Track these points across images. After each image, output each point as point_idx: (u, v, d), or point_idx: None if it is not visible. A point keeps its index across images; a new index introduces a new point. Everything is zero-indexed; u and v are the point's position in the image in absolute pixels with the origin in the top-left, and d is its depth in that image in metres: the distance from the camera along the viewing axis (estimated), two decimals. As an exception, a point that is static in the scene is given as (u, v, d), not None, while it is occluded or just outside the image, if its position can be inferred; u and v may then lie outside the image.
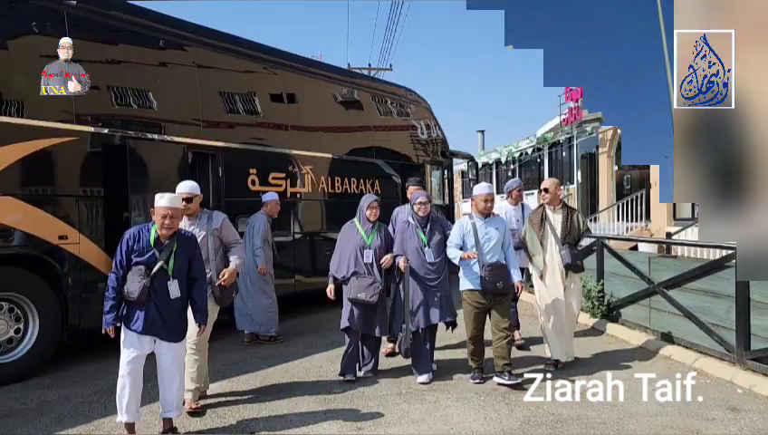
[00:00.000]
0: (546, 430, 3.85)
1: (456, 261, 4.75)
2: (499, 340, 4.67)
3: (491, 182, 23.26)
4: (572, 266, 5.09)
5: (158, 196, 3.59)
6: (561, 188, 5.40)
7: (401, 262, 4.80)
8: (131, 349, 3.54)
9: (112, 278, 3.53)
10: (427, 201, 4.97)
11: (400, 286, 4.91)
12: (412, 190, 5.47)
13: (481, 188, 4.86)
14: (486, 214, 4.79)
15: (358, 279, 4.80)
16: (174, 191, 4.28)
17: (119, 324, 3.52)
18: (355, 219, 5.06)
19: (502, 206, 6.03)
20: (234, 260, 4.28)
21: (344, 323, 4.86)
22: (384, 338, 5.30)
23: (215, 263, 4.24)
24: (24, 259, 5.07)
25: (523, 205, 6.24)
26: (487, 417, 4.06)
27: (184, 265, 3.65)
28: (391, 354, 5.54)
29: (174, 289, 3.57)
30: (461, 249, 4.73)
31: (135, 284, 3.46)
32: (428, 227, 4.93)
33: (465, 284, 4.76)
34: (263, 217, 6.44)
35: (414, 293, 4.82)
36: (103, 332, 3.52)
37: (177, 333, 3.65)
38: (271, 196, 6.66)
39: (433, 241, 4.89)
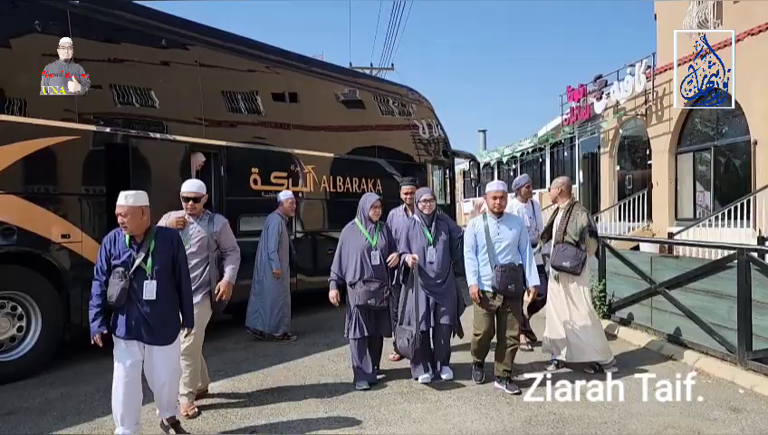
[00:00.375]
0: (548, 429, 3.85)
1: (468, 279, 4.57)
2: (503, 347, 4.57)
3: (492, 182, 23.18)
4: (557, 267, 5.06)
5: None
6: (561, 187, 5.31)
7: (409, 259, 4.67)
8: (121, 357, 3.41)
9: (95, 286, 3.41)
10: (431, 198, 4.85)
11: (403, 287, 4.79)
12: (405, 190, 5.40)
13: (491, 186, 4.67)
14: (498, 212, 4.62)
15: (365, 284, 4.63)
16: (178, 190, 4.30)
17: (105, 331, 3.36)
18: (356, 220, 4.89)
19: (513, 204, 5.91)
20: (228, 271, 4.24)
21: (352, 333, 4.68)
22: (389, 342, 5.21)
23: (212, 266, 4.22)
24: (26, 257, 5.08)
25: (533, 202, 6.14)
26: (489, 416, 4.07)
27: (165, 264, 3.47)
28: (399, 359, 5.35)
29: (149, 290, 3.39)
30: (476, 250, 4.59)
31: (114, 287, 3.34)
32: (434, 225, 4.83)
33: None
34: (276, 218, 6.47)
35: (419, 293, 4.70)
36: (92, 342, 3.35)
37: (163, 336, 3.46)
38: (285, 194, 6.68)
39: (438, 240, 4.78)
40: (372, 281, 4.65)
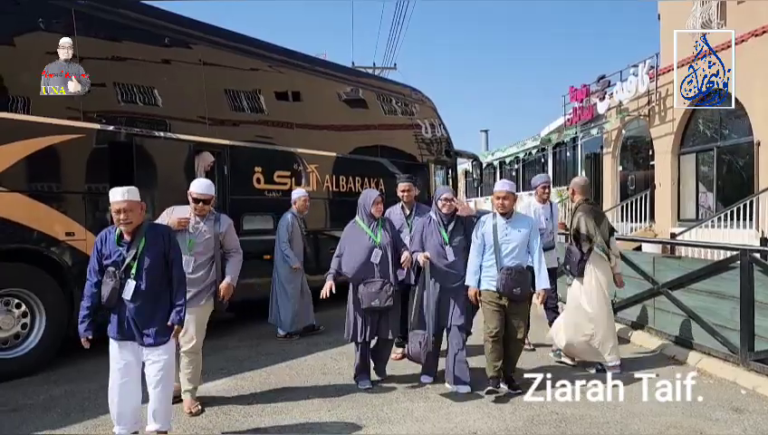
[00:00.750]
0: (551, 428, 3.85)
1: (467, 279, 4.49)
2: (507, 348, 4.49)
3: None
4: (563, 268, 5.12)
5: (111, 191, 3.34)
6: (572, 187, 5.32)
7: (421, 257, 4.51)
8: (114, 359, 3.36)
9: (87, 287, 3.34)
10: (452, 198, 4.67)
11: (417, 287, 4.63)
12: (402, 187, 5.36)
13: (496, 185, 4.55)
14: (505, 213, 4.48)
15: (366, 286, 4.48)
16: (181, 188, 4.32)
17: (90, 337, 3.32)
18: (357, 218, 4.73)
19: (531, 203, 5.83)
20: (230, 273, 4.23)
21: (355, 336, 4.58)
22: (394, 343, 5.13)
23: (217, 265, 4.21)
24: (30, 255, 5.10)
25: (551, 203, 5.96)
26: (491, 415, 4.07)
27: (157, 261, 3.36)
28: (401, 358, 5.22)
29: (128, 290, 3.29)
30: (482, 250, 4.50)
31: (106, 287, 3.28)
32: (452, 225, 4.65)
33: (482, 284, 4.50)
34: (288, 216, 6.50)
35: (431, 293, 4.55)
36: (83, 343, 3.34)
37: (152, 337, 3.34)
38: (298, 193, 6.70)
39: (454, 241, 4.61)
40: (374, 281, 4.52)
